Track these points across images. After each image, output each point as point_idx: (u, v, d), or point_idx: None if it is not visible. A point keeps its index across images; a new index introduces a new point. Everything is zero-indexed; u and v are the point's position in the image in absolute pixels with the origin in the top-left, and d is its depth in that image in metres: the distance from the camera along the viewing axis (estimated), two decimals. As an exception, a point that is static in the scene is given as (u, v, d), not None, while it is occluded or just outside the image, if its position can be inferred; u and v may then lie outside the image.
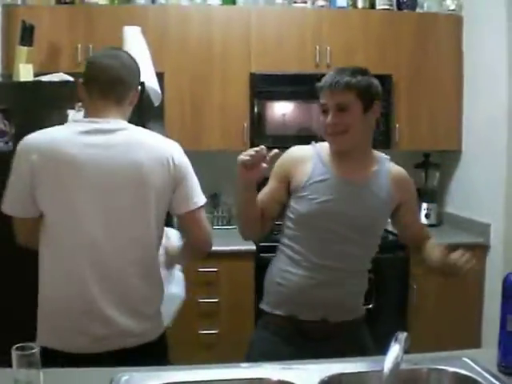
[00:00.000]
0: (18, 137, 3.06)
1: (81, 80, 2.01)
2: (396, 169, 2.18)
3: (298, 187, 2.08)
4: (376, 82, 2.05)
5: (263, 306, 2.20)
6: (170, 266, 2.22)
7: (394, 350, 1.34)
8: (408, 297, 3.70)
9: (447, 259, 1.95)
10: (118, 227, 1.90)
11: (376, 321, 3.47)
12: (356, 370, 1.67)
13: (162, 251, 2.11)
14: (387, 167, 2.15)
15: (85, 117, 2.03)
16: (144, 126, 3.02)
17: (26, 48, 3.34)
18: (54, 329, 1.89)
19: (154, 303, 2.00)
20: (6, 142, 3.03)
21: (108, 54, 2.04)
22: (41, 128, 3.01)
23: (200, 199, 2.01)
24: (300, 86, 3.70)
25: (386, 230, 3.79)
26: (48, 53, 3.62)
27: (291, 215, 2.11)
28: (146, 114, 3.25)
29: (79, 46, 3.62)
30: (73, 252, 1.87)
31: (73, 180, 1.88)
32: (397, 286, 3.69)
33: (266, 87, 3.72)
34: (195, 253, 2.19)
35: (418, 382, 1.68)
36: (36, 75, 3.33)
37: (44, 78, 3.22)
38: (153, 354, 1.93)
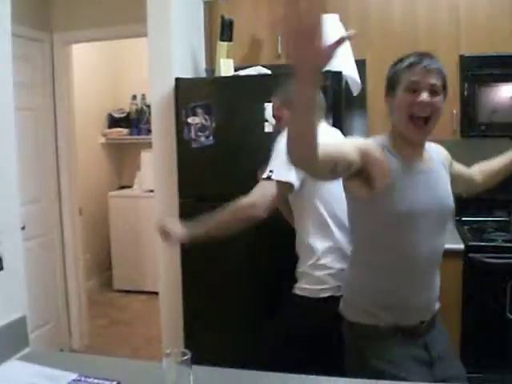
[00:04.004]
0: (218, 131, 3.17)
1: None
2: (434, 145, 2.14)
3: (383, 185, 1.87)
4: None
5: (358, 319, 2.03)
6: None
7: None
8: None
9: None
10: None
11: None
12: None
13: None
14: (432, 147, 2.10)
15: None
16: (342, 116, 2.99)
17: (226, 43, 3.38)
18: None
19: None
20: (207, 137, 3.09)
21: None
22: (239, 122, 3.07)
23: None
24: (517, 68, 3.31)
25: None
26: (249, 46, 3.63)
27: (377, 218, 1.93)
28: (345, 104, 3.13)
29: (280, 37, 3.57)
30: None
31: None
32: None
33: (477, 70, 3.35)
34: None
35: None
36: (237, 69, 3.35)
37: (242, 73, 3.22)
38: None
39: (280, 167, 2.33)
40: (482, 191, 2.43)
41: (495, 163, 2.37)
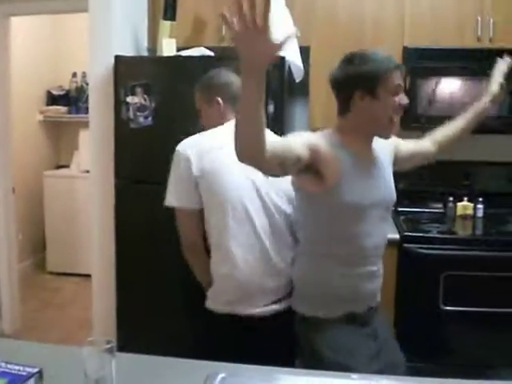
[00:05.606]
0: (158, 112, 3.10)
1: None
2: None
3: (333, 182, 1.88)
4: None
5: (310, 312, 2.06)
6: None
7: None
8: None
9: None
10: None
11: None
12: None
13: None
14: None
15: None
16: (283, 102, 2.96)
17: (169, 22, 3.31)
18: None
19: None
20: (146, 117, 3.02)
21: None
22: (179, 103, 2.98)
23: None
24: (459, 62, 3.33)
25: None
26: (193, 26, 3.55)
27: (328, 211, 1.95)
28: (287, 89, 3.11)
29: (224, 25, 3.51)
30: None
31: None
32: None
33: (419, 63, 3.37)
34: None
35: None
36: (180, 49, 3.28)
37: (184, 53, 3.16)
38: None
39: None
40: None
41: (448, 130, 2.39)
